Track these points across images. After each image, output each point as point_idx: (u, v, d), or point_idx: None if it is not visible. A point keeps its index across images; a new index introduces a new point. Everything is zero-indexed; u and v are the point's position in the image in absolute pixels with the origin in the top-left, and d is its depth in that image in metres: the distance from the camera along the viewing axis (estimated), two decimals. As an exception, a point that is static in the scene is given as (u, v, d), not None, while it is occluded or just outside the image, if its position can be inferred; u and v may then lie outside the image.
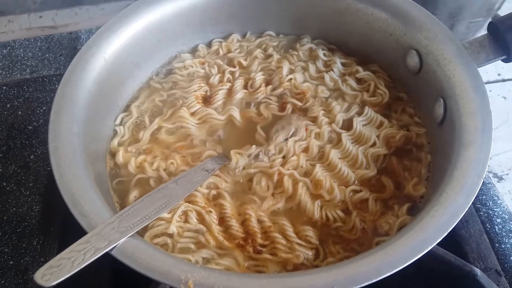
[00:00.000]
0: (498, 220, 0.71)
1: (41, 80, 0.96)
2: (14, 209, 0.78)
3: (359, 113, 0.73)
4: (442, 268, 0.59)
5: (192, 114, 0.73)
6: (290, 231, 0.61)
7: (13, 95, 0.93)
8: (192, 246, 0.60)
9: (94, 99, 0.68)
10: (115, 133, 0.73)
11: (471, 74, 0.63)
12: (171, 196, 0.59)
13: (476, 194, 0.52)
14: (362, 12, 0.77)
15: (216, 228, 0.61)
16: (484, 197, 0.74)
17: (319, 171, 0.65)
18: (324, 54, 0.80)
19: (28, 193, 0.80)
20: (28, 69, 0.98)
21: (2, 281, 0.70)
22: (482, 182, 0.53)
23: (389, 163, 0.68)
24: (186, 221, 0.61)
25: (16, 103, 0.92)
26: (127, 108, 0.76)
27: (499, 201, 0.73)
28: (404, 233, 0.52)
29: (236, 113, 0.73)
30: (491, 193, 0.74)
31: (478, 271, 0.58)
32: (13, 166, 0.84)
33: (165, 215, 0.61)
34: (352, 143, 0.69)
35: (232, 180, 0.66)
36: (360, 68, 0.78)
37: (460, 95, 0.62)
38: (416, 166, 0.67)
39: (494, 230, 0.71)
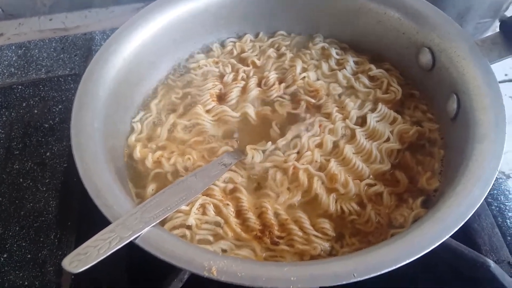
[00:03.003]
0: (510, 214, 0.72)
1: (56, 79, 0.97)
2: (31, 204, 0.80)
3: (373, 110, 0.74)
4: (456, 260, 0.60)
5: (207, 111, 0.74)
6: (307, 223, 0.62)
7: (29, 94, 0.95)
8: (211, 238, 0.61)
9: (114, 96, 0.69)
10: (132, 129, 0.74)
11: (484, 70, 0.65)
12: (190, 189, 0.60)
13: (491, 186, 0.53)
14: (374, 11, 0.78)
15: (233, 220, 0.62)
16: (495, 191, 0.75)
17: (333, 166, 0.66)
18: (337, 53, 0.82)
19: (44, 189, 0.82)
20: (43, 69, 1.00)
21: (21, 274, 0.71)
22: (496, 174, 0.54)
23: (403, 158, 0.69)
24: (204, 213, 0.63)
25: (32, 102, 0.94)
26: (144, 106, 0.78)
27: (510, 196, 0.74)
28: (421, 223, 0.53)
29: (251, 110, 0.74)
30: (502, 188, 0.75)
31: (491, 263, 0.59)
32: (30, 163, 0.85)
33: (183, 207, 0.62)
34: (366, 138, 0.70)
35: (248, 174, 0.67)
36: (373, 66, 0.79)
37: (473, 91, 0.64)
38: (429, 161, 0.68)
39: (506, 223, 0.72)
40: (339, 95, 0.76)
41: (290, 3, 0.83)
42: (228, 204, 0.64)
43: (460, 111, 0.66)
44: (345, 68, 0.79)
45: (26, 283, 0.71)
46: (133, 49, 0.74)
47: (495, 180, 0.74)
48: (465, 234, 0.69)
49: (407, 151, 0.70)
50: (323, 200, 0.64)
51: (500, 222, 0.72)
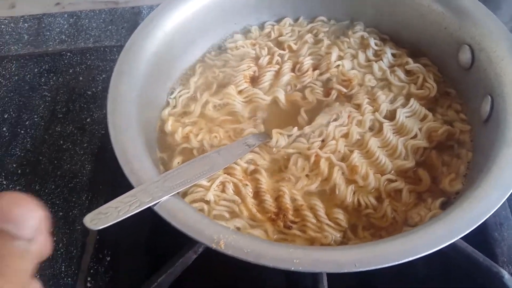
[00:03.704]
0: (536, 227, 0.70)
1: (102, 49, 1.01)
2: (68, 166, 0.85)
3: (404, 105, 0.73)
4: (470, 266, 0.59)
5: (239, 92, 0.76)
6: (321, 211, 0.63)
7: (76, 62, 1.00)
8: (227, 215, 0.63)
9: (152, 69, 0.72)
10: (167, 103, 0.77)
11: (523, 74, 0.62)
12: (212, 165, 0.62)
13: (510, 192, 0.52)
14: (417, 3, 0.77)
15: (250, 200, 0.64)
16: (524, 201, 0.73)
17: (356, 157, 0.66)
18: (376, 44, 0.81)
19: (82, 152, 0.86)
20: (91, 39, 1.04)
21: (51, 230, 0.76)
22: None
23: (429, 156, 0.68)
24: (223, 191, 0.65)
25: (78, 69, 0.99)
26: (182, 81, 0.80)
27: (540, 208, 0.72)
28: (433, 222, 0.53)
29: (281, 95, 0.75)
30: (533, 199, 0.72)
31: (505, 273, 0.58)
32: (71, 127, 0.90)
33: (204, 183, 0.64)
34: (393, 133, 0.70)
35: (270, 158, 0.68)
36: (410, 60, 0.78)
37: (508, 94, 0.62)
38: (455, 162, 0.67)
39: (529, 236, 0.69)
40: (372, 87, 0.76)
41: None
42: (247, 185, 0.65)
43: (492, 114, 0.64)
44: (382, 59, 0.78)
45: (55, 238, 0.76)
46: (174, 24, 0.76)
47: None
48: (485, 241, 0.68)
49: (434, 150, 0.69)
50: (341, 190, 0.65)
51: (523, 234, 0.69)
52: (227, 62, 0.81)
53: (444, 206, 0.63)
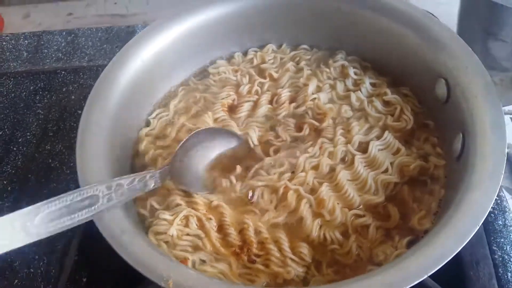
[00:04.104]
0: (513, 267, 0.68)
1: (95, 69, 1.04)
2: (55, 184, 0.87)
3: (379, 137, 0.72)
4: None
5: (215, 120, 0.76)
6: (285, 245, 0.63)
7: (69, 80, 1.02)
8: (189, 249, 0.63)
9: (129, 96, 0.73)
10: (148, 124, 0.78)
11: (494, 114, 0.61)
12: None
13: (466, 242, 0.51)
14: (396, 33, 0.76)
15: (214, 234, 0.64)
16: (502, 240, 0.71)
17: (324, 190, 0.66)
18: (355, 73, 0.80)
19: (69, 172, 0.89)
20: (86, 57, 1.07)
21: (34, 248, 0.79)
22: (477, 230, 0.51)
23: (400, 191, 0.67)
24: (186, 225, 0.65)
25: (71, 88, 1.01)
26: (163, 104, 0.81)
27: (518, 248, 0.70)
28: (397, 262, 0.52)
29: (253, 134, 0.74)
30: (511, 237, 0.71)
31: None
32: (60, 146, 0.92)
33: (168, 216, 0.64)
34: (364, 166, 0.69)
35: (231, 193, 0.69)
36: (388, 91, 0.77)
37: (478, 134, 0.60)
38: (427, 199, 0.66)
39: (506, 276, 0.68)
40: (348, 118, 0.75)
41: (312, 18, 0.82)
42: (210, 218, 0.65)
43: (463, 153, 0.62)
44: (360, 89, 0.78)
45: (37, 256, 0.78)
46: (153, 52, 0.77)
47: (504, 228, 0.71)
48: (458, 281, 0.66)
49: (406, 185, 0.68)
50: (307, 224, 0.64)
51: (500, 274, 0.68)
52: (208, 87, 0.82)
53: (411, 245, 0.62)
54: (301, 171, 0.68)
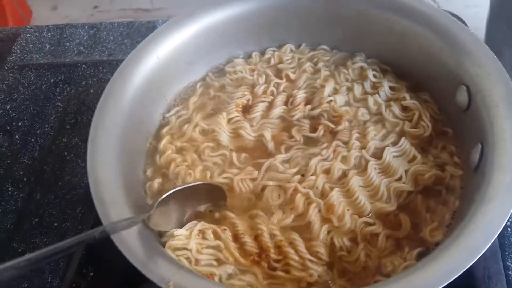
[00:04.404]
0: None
1: (115, 63, 1.03)
2: (69, 177, 0.88)
3: (395, 144, 0.70)
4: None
5: (229, 120, 0.76)
6: (301, 246, 0.62)
7: (89, 74, 1.03)
8: (214, 262, 0.61)
9: (143, 92, 0.73)
10: (166, 122, 0.78)
11: (516, 123, 0.58)
12: None
13: (477, 258, 0.48)
14: (419, 36, 0.74)
15: (232, 245, 0.62)
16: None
17: (335, 195, 0.65)
18: (374, 76, 0.78)
19: (83, 165, 0.88)
20: (106, 52, 1.07)
21: (44, 239, 0.80)
22: (489, 245, 0.49)
23: (413, 200, 0.65)
24: (203, 238, 0.63)
25: (90, 82, 1.02)
26: (180, 101, 0.81)
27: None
28: (405, 274, 0.51)
29: (267, 134, 0.73)
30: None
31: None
32: (76, 139, 0.93)
33: (183, 231, 0.63)
34: (378, 173, 0.67)
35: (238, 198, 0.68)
36: (407, 95, 0.74)
37: (497, 144, 0.58)
38: (441, 210, 0.64)
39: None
40: (365, 121, 0.73)
41: (332, 19, 0.81)
42: (225, 229, 0.64)
43: (481, 163, 0.60)
44: (378, 93, 0.76)
45: (46, 249, 0.79)
46: (170, 48, 0.77)
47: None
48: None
49: (420, 194, 0.66)
50: (314, 228, 0.63)
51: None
52: (224, 86, 0.81)
53: (421, 256, 0.60)
54: (312, 174, 0.67)
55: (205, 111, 0.79)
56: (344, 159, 0.69)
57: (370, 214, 0.64)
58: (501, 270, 0.66)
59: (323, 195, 0.66)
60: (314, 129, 0.73)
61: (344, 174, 0.68)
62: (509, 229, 0.71)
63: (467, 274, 0.65)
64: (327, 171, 0.68)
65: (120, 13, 1.43)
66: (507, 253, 0.69)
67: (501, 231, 0.67)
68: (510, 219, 0.71)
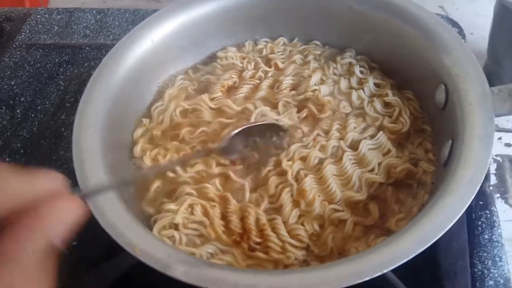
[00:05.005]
0: (491, 283, 0.66)
1: (117, 47, 1.08)
2: (63, 152, 0.91)
3: (372, 137, 0.72)
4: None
5: (211, 100, 0.78)
6: (282, 230, 0.64)
7: (92, 56, 1.07)
8: (197, 240, 0.64)
9: (135, 74, 0.76)
10: (141, 122, 0.78)
11: (485, 123, 0.59)
12: None
13: (428, 245, 0.50)
14: (406, 35, 0.75)
15: (217, 221, 0.65)
16: (485, 254, 0.69)
17: (307, 182, 0.67)
18: (361, 72, 0.80)
19: (78, 141, 0.93)
20: (111, 36, 1.11)
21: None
22: (441, 235, 0.50)
23: (384, 191, 0.67)
24: (191, 213, 0.66)
25: (92, 64, 1.06)
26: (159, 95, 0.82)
27: (500, 263, 0.67)
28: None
29: (251, 106, 0.76)
30: (495, 252, 0.69)
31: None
32: (74, 117, 0.96)
33: (173, 206, 0.66)
34: (353, 163, 0.69)
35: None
36: (389, 92, 0.76)
37: (465, 141, 0.59)
38: (410, 203, 0.65)
39: (484, 286, 0.66)
40: (347, 114, 0.75)
41: (324, 15, 0.83)
42: (215, 206, 0.66)
43: (450, 159, 0.61)
44: (363, 89, 0.77)
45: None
46: (165, 33, 0.80)
47: (489, 243, 0.70)
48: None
49: (391, 186, 0.67)
50: (285, 211, 0.65)
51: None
52: (213, 70, 0.84)
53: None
54: (289, 160, 0.69)
55: (187, 93, 0.80)
56: (323, 148, 0.71)
57: (340, 202, 0.66)
58: (467, 267, 0.68)
59: (297, 180, 0.68)
60: (299, 109, 0.75)
61: (320, 162, 0.70)
62: (480, 228, 0.72)
63: (434, 267, 0.67)
64: (304, 158, 0.70)
65: (132, 2, 1.47)
66: (475, 251, 0.70)
67: (471, 228, 0.70)
68: (482, 219, 0.73)
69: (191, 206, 0.66)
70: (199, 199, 0.67)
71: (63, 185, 0.39)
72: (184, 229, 0.64)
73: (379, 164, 0.68)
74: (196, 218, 0.65)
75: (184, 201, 0.66)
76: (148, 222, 0.67)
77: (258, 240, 0.64)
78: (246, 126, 0.71)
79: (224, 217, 0.66)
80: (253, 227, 0.64)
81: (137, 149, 0.74)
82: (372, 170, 0.68)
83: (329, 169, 0.68)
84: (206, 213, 0.66)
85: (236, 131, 0.70)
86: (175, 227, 0.65)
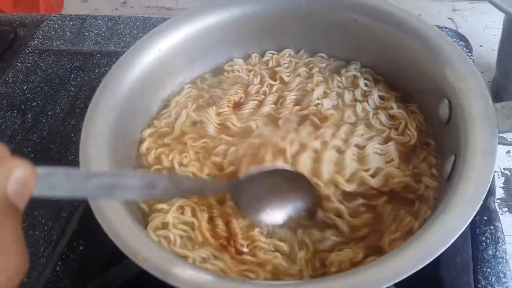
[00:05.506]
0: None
1: (127, 55, 1.10)
2: (72, 157, 0.93)
3: (381, 144, 0.73)
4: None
5: (218, 114, 0.79)
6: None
7: (102, 63, 1.09)
8: (188, 244, 0.65)
9: (142, 84, 0.77)
10: (151, 124, 0.80)
11: (488, 139, 0.59)
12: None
13: (427, 263, 0.50)
14: (410, 49, 0.75)
15: (204, 225, 0.66)
16: (489, 270, 0.68)
17: (303, 156, 0.69)
18: (366, 84, 0.80)
19: (87, 147, 0.94)
20: (121, 43, 1.13)
21: (43, 213, 0.85)
22: (440, 253, 0.51)
23: (382, 207, 0.67)
24: (182, 213, 0.67)
25: (102, 70, 1.08)
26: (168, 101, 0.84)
27: (504, 279, 0.67)
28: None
29: (254, 124, 0.77)
30: (499, 268, 0.68)
31: None
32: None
33: (165, 206, 0.67)
34: (353, 159, 0.70)
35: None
36: (394, 105, 0.76)
37: (468, 157, 0.59)
38: (409, 222, 0.65)
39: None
40: (352, 124, 0.76)
41: (330, 27, 0.83)
42: (204, 210, 0.67)
43: (452, 174, 0.61)
44: (367, 101, 0.78)
45: (43, 220, 0.84)
46: (173, 43, 0.81)
47: (494, 259, 0.69)
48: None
49: (390, 204, 0.67)
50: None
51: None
52: (220, 83, 0.85)
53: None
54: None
55: (191, 107, 0.81)
56: (324, 144, 0.72)
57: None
58: (471, 283, 0.67)
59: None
60: (300, 123, 0.76)
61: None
62: (484, 243, 0.72)
63: (437, 282, 0.67)
64: (304, 146, 0.71)
65: (144, 10, 1.49)
66: (479, 266, 0.70)
67: (475, 243, 0.70)
68: (486, 234, 0.72)
69: (181, 207, 0.67)
70: (188, 201, 0.68)
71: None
72: (173, 229, 0.65)
73: (379, 169, 0.69)
74: (186, 218, 0.66)
75: (175, 202, 0.67)
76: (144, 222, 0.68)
77: (243, 242, 0.64)
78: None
79: (211, 221, 0.67)
80: (238, 230, 0.65)
81: (143, 148, 0.77)
82: (367, 171, 0.68)
83: (329, 154, 0.69)
84: (194, 215, 0.67)
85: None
86: (166, 226, 0.66)
